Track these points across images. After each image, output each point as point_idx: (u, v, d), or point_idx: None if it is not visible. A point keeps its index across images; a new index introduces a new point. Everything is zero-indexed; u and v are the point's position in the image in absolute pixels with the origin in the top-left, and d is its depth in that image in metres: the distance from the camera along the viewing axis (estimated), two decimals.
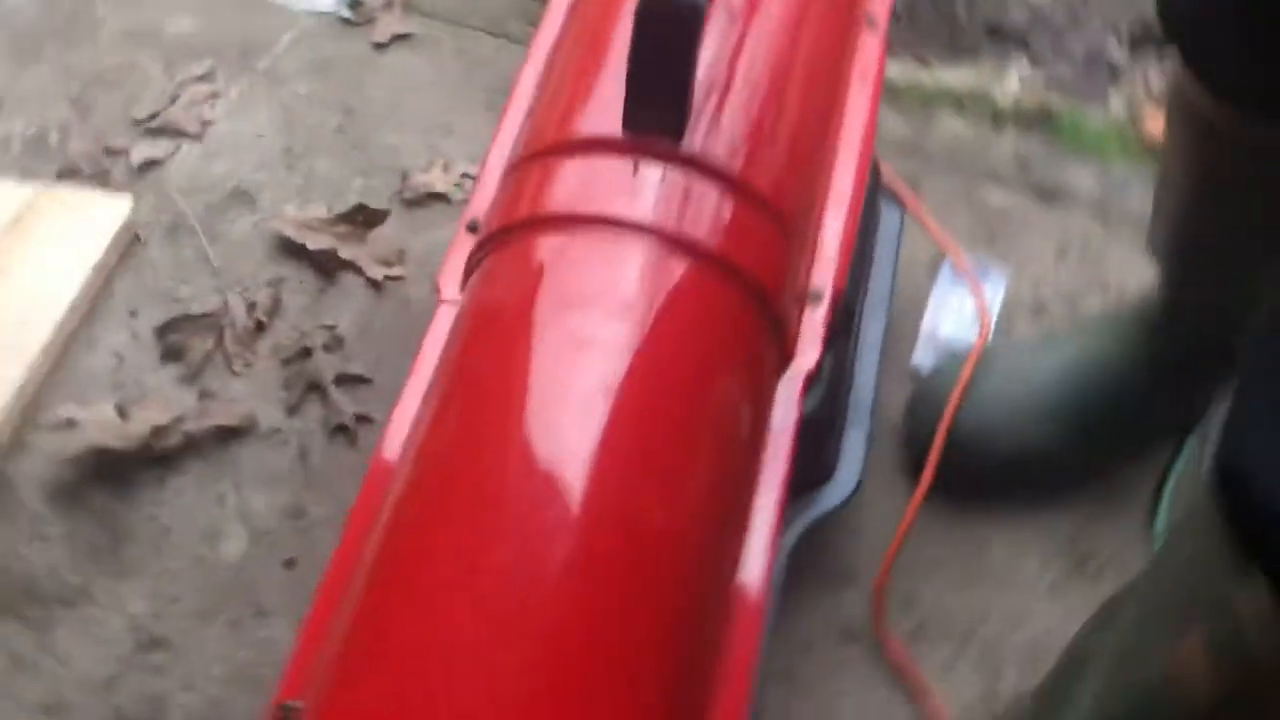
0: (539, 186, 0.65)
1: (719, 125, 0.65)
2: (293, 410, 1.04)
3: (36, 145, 1.18)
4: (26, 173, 1.15)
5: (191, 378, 1.04)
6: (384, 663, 0.56)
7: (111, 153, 1.18)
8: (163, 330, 1.06)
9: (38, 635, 0.92)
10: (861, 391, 0.96)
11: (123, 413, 1.00)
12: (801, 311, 0.74)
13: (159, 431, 0.99)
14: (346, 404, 1.03)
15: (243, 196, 1.16)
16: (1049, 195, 1.20)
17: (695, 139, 0.64)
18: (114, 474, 0.99)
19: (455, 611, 0.56)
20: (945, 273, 1.14)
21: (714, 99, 0.65)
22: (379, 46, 1.28)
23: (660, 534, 0.60)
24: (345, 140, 1.20)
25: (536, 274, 0.66)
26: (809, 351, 0.73)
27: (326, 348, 1.06)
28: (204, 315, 1.07)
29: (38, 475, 0.99)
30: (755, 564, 0.66)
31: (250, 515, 0.98)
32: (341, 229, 1.13)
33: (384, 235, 1.13)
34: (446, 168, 1.18)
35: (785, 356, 0.73)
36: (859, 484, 0.91)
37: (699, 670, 0.61)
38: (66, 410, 1.00)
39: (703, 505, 0.64)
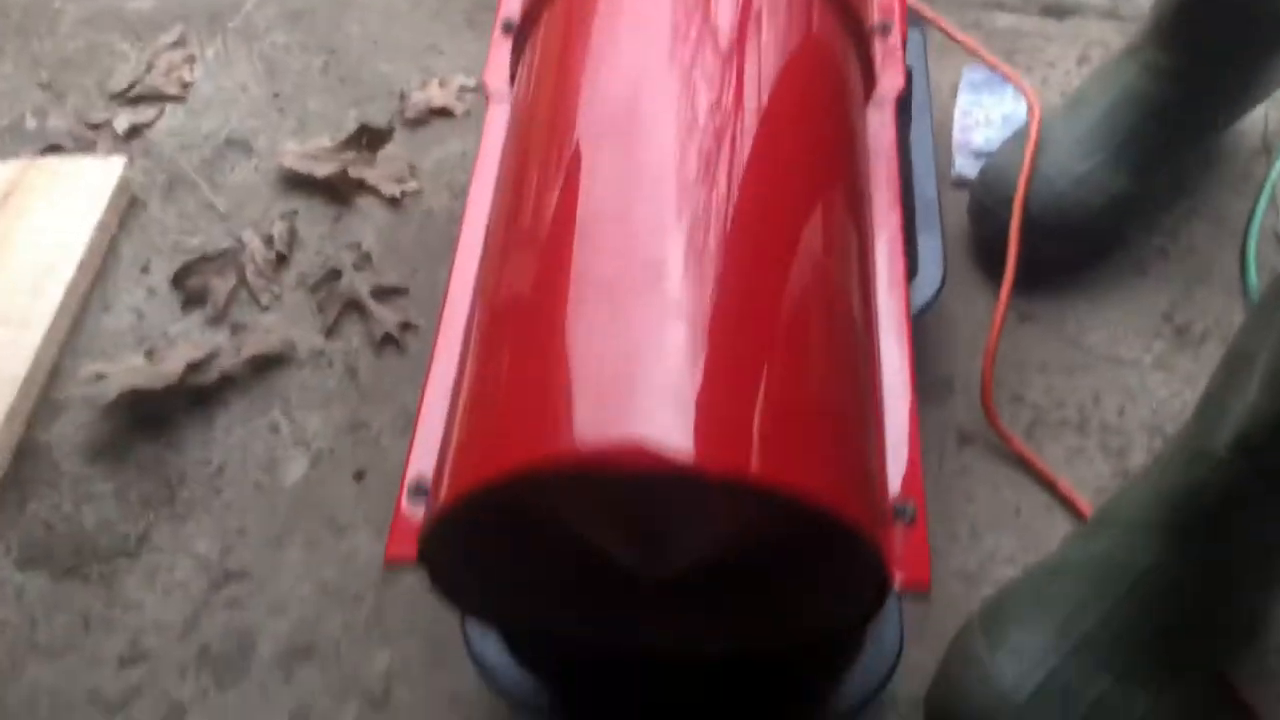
0: None
1: None
2: (331, 331, 0.97)
3: (13, 132, 1.12)
4: (8, 156, 1.09)
5: (218, 319, 0.98)
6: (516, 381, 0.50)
7: (93, 126, 1.12)
8: (179, 277, 1.00)
9: (105, 590, 0.84)
10: (925, 193, 0.91)
11: (152, 357, 0.94)
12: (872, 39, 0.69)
13: (194, 368, 0.93)
14: (388, 315, 0.97)
15: (238, 144, 1.10)
16: (1059, 12, 1.17)
17: None
18: (154, 420, 0.92)
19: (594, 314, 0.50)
20: (967, 83, 1.10)
21: None
22: None
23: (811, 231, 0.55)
24: (334, 77, 1.16)
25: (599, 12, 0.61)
26: (891, 74, 0.68)
27: (356, 266, 1.00)
28: (220, 255, 1.01)
29: (73, 437, 0.92)
30: (892, 291, 0.61)
31: (308, 437, 0.91)
32: (348, 154, 1.07)
33: (392, 155, 1.08)
34: (443, 83, 1.13)
35: (869, 80, 0.68)
36: (943, 280, 0.86)
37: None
38: (93, 368, 0.94)
39: (838, 210, 0.59)
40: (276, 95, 1.15)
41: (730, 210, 0.54)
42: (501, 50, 0.71)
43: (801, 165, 0.57)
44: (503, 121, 0.68)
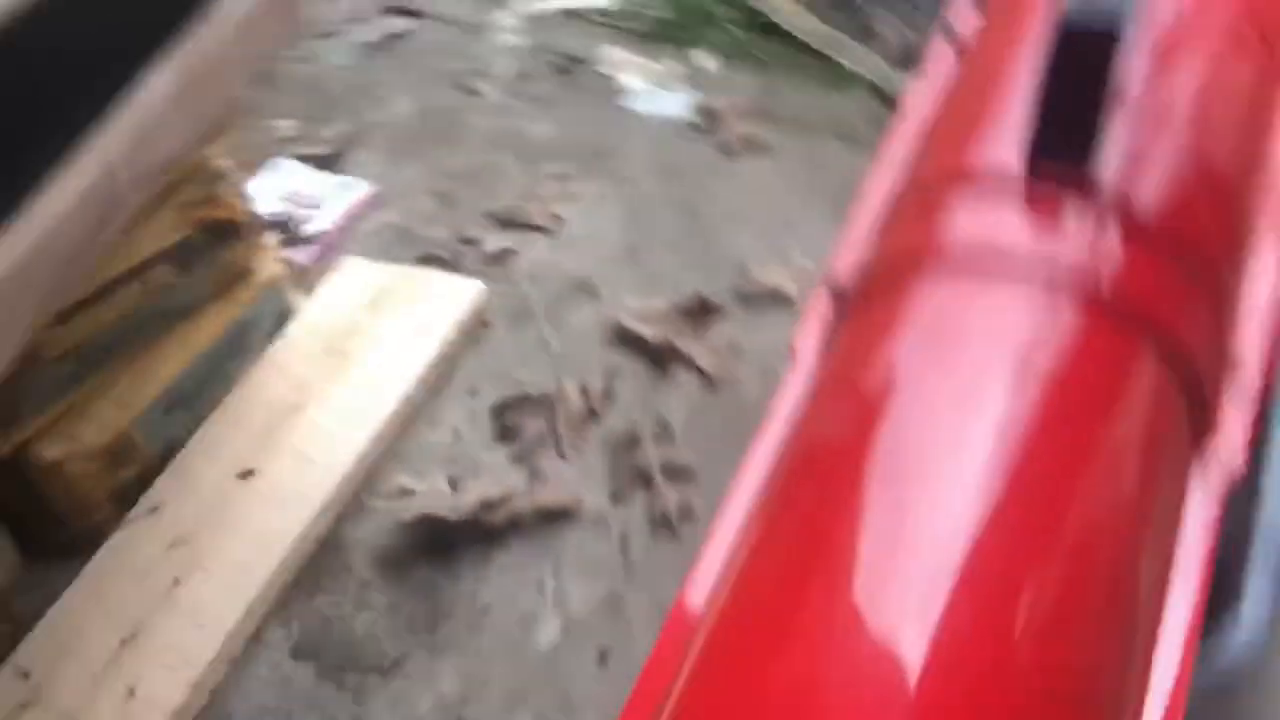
0: (921, 223, 0.58)
1: (1134, 160, 0.56)
2: (617, 497, 1.00)
3: (402, 233, 1.24)
4: (391, 257, 1.21)
5: (522, 457, 1.03)
6: None
7: (467, 242, 1.22)
8: (499, 410, 1.06)
9: (353, 704, 0.90)
10: (1271, 517, 0.80)
11: (454, 485, 1.00)
12: (1219, 385, 0.62)
13: (488, 506, 0.98)
14: (671, 495, 0.98)
15: (585, 287, 1.16)
16: None
17: (1106, 173, 0.55)
18: (441, 545, 0.98)
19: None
20: None
21: (1128, 127, 0.57)
22: (726, 151, 1.28)
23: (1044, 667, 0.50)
24: (688, 239, 1.19)
25: (915, 325, 0.59)
26: (1232, 436, 0.60)
27: (656, 438, 1.02)
28: (539, 398, 1.07)
29: (370, 541, 1.00)
30: None
31: (567, 602, 0.94)
32: (678, 321, 1.10)
33: (720, 330, 1.10)
34: (788, 264, 1.14)
35: (1202, 441, 0.61)
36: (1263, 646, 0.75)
37: None
38: (403, 480, 1.02)
39: (1098, 624, 0.53)
40: (632, 246, 1.20)
41: (1000, 569, 0.50)
42: (819, 311, 0.70)
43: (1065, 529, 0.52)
44: (797, 393, 0.67)
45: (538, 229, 1.22)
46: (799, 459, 0.59)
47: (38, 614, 0.92)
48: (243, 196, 1.06)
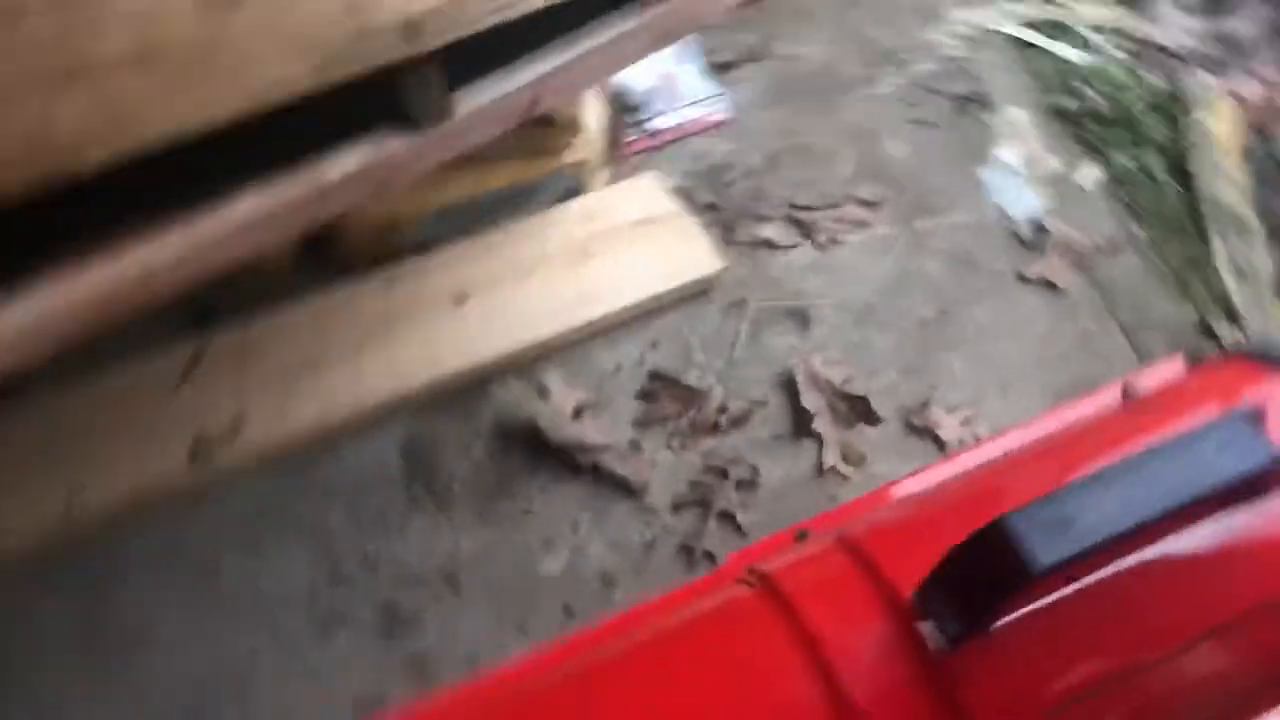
0: None
1: None
2: (676, 508, 1.14)
3: (712, 172, 1.35)
4: (685, 189, 1.32)
5: (640, 424, 1.18)
6: None
7: (753, 215, 1.31)
8: (655, 376, 1.21)
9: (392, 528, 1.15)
10: None
11: (577, 412, 1.18)
12: None
13: (583, 448, 1.15)
14: (717, 536, 1.11)
15: (801, 317, 1.25)
16: None
17: None
18: (535, 449, 1.17)
19: None
20: None
21: None
22: (1022, 276, 1.26)
23: None
24: (918, 333, 1.23)
25: None
26: None
27: (742, 483, 1.14)
28: (690, 390, 1.19)
29: (495, 411, 1.20)
30: None
31: (584, 549, 1.12)
32: (846, 406, 1.17)
33: (864, 436, 1.17)
34: (955, 411, 1.17)
35: None
36: None
37: None
38: (549, 379, 1.20)
39: None
40: (869, 309, 1.25)
41: None
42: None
43: None
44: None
45: (812, 240, 1.29)
46: None
47: None
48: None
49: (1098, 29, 1.46)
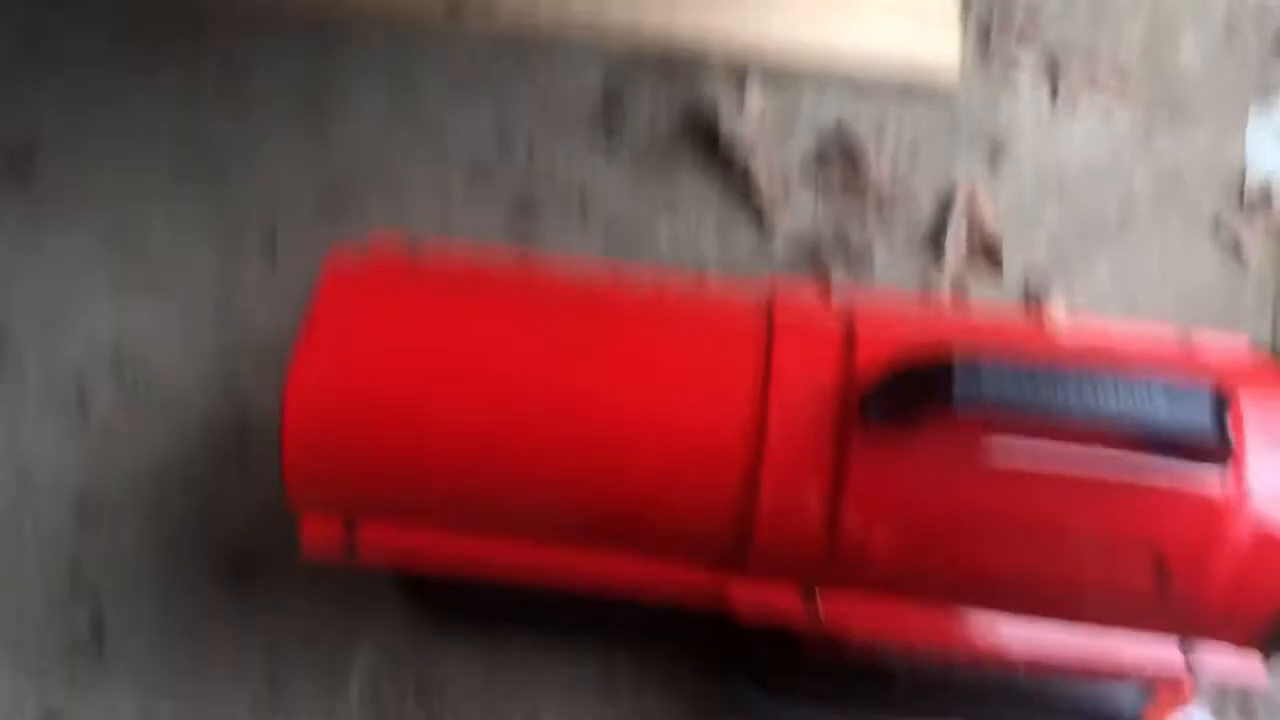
0: None
1: None
2: (793, 265, 1.24)
3: None
4: None
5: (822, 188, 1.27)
6: None
7: None
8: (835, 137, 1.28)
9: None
10: None
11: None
12: None
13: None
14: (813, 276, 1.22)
15: None
16: None
17: None
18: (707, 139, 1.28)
19: None
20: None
21: None
22: (1215, 230, 1.25)
23: None
24: None
25: None
26: None
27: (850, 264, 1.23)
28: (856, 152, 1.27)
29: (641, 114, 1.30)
30: None
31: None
32: None
33: None
34: None
35: None
36: None
37: None
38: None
39: None
40: None
41: None
42: None
43: None
44: None
45: (1053, 90, 1.29)
46: None
47: None
48: None
49: None
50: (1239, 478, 0.74)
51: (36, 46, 1.33)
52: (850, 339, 0.80)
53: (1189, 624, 0.79)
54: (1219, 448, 0.71)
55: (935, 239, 1.24)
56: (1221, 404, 0.70)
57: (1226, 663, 0.81)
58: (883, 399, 0.75)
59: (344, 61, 1.32)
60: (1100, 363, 0.71)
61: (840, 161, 1.27)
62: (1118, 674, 0.88)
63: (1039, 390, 0.70)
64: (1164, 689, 1.02)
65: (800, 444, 0.76)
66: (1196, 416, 0.69)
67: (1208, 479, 0.74)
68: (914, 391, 0.72)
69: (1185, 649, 0.81)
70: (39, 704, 1.10)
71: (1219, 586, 0.76)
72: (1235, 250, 1.24)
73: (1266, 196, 1.26)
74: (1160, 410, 0.69)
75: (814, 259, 1.23)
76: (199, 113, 1.30)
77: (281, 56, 1.32)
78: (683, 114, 1.29)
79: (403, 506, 0.83)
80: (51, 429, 1.18)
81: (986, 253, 1.23)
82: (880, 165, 1.27)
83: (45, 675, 1.11)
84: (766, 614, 0.83)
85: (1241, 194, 1.27)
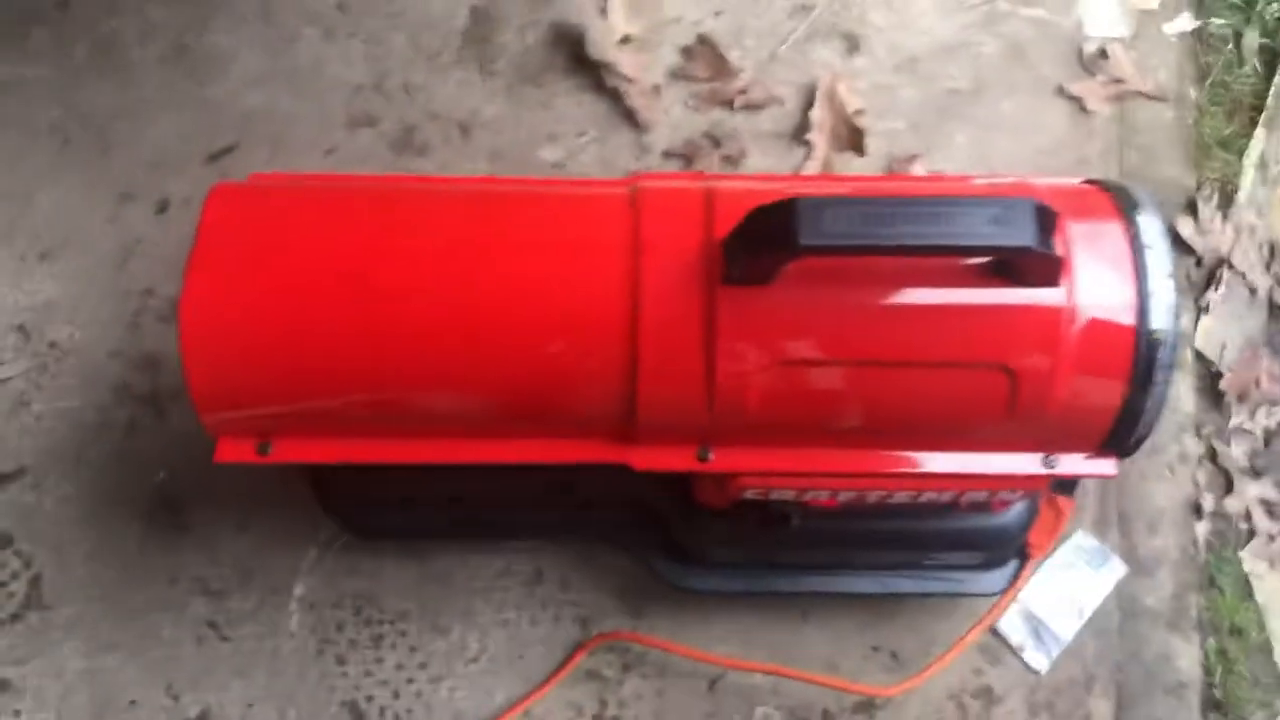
0: None
1: None
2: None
3: None
4: None
5: None
6: None
7: None
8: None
9: None
10: None
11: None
12: None
13: None
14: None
15: None
16: None
17: None
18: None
19: None
20: (1066, 548, 1.18)
21: None
22: (1059, 91, 1.33)
23: None
24: None
25: None
26: None
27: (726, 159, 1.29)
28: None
29: None
30: None
31: None
32: None
33: None
34: None
35: None
36: None
37: None
38: None
39: None
40: None
41: None
42: None
43: None
44: None
45: None
46: None
47: None
48: None
49: None
50: (1069, 292, 0.82)
51: None
52: (710, 207, 0.85)
53: (1046, 434, 0.87)
54: (1045, 260, 0.78)
55: (802, 133, 1.30)
56: (1044, 218, 0.77)
57: (1082, 465, 0.89)
58: (739, 249, 0.80)
59: (214, 22, 1.34)
60: (932, 196, 0.78)
61: (705, 64, 1.32)
62: (991, 486, 0.95)
63: (875, 223, 0.76)
64: (1044, 510, 1.10)
65: (671, 303, 0.82)
66: (1020, 230, 0.76)
67: (1043, 296, 0.81)
68: (764, 236, 0.78)
69: (1047, 463, 0.89)
70: None
71: (1063, 393, 0.83)
72: (1080, 105, 1.32)
73: (1102, 53, 1.34)
74: (986, 227, 0.76)
75: (690, 164, 1.29)
76: (79, 89, 1.32)
77: (153, 24, 1.34)
78: (552, 36, 1.34)
79: (310, 415, 0.87)
80: None
81: (851, 139, 1.29)
82: (741, 66, 1.33)
83: None
84: (666, 469, 0.88)
85: (1080, 56, 1.35)
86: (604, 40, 1.31)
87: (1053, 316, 0.82)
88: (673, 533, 1.08)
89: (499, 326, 0.84)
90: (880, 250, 0.77)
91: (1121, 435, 0.86)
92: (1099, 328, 0.82)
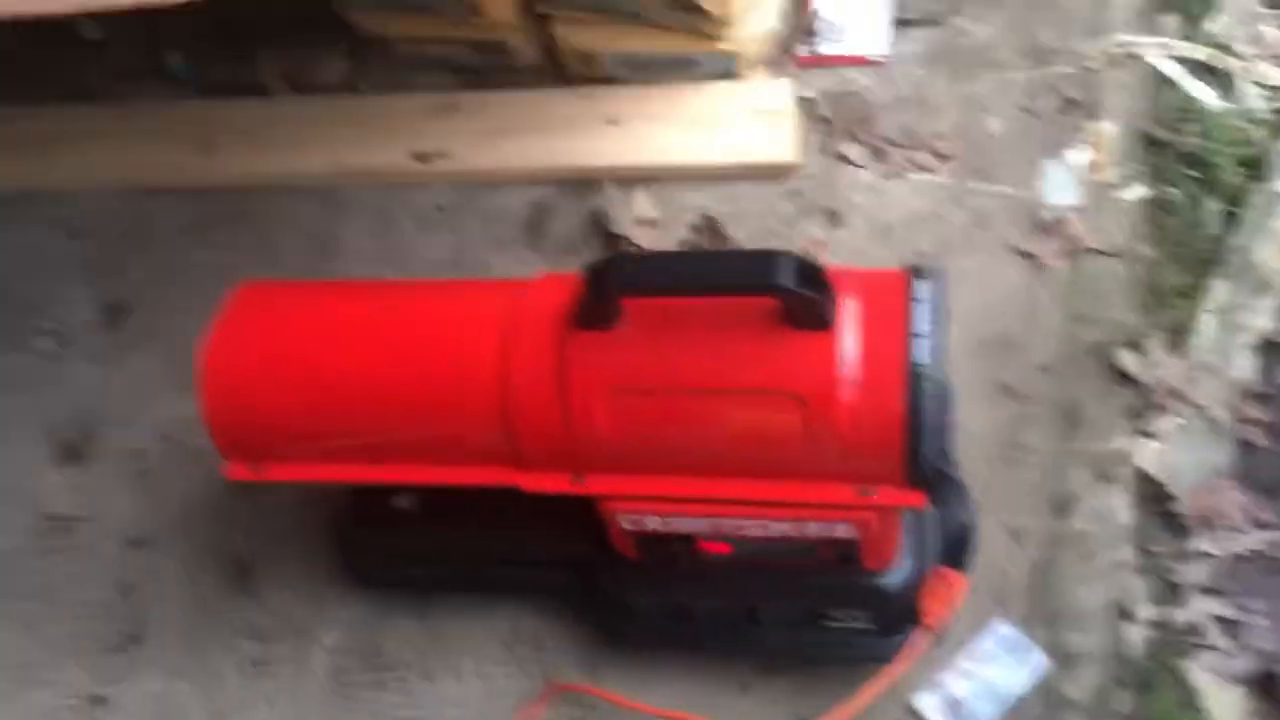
0: None
1: None
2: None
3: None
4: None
5: None
6: None
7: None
8: None
9: None
10: None
11: None
12: None
13: None
14: None
15: None
16: None
17: None
18: None
19: None
20: (989, 639, 1.25)
21: None
22: (1016, 250, 1.50)
23: None
24: None
25: None
26: None
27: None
28: None
29: None
30: None
31: None
32: None
33: None
34: None
35: None
36: None
37: None
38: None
39: None
40: None
41: None
42: None
43: None
44: None
45: (884, 167, 1.60)
46: None
47: None
48: None
49: (1264, 86, 1.58)
50: (844, 332, 1.00)
51: None
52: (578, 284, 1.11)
53: (852, 465, 1.02)
54: (809, 301, 0.97)
55: None
56: (805, 268, 0.97)
57: (893, 495, 1.02)
58: (581, 300, 1.05)
59: (344, 217, 1.76)
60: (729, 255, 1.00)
61: (708, 238, 1.60)
62: (819, 516, 1.08)
63: (672, 268, 1.00)
64: (935, 582, 1.20)
65: (534, 353, 1.07)
66: (781, 275, 0.96)
67: (821, 336, 1.00)
68: (593, 286, 1.02)
69: (863, 492, 1.04)
70: (89, 690, 1.43)
71: (848, 417, 0.99)
72: (1034, 261, 1.48)
73: (1059, 219, 1.51)
74: (750, 272, 0.97)
75: None
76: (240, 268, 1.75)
77: (300, 220, 1.78)
78: (589, 220, 1.66)
79: (290, 446, 1.16)
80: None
81: None
82: (737, 238, 1.59)
83: (96, 669, 1.45)
84: (549, 490, 1.10)
85: (1040, 222, 1.52)
86: (624, 222, 1.62)
87: (827, 349, 1.00)
88: (602, 585, 1.27)
89: (418, 381, 1.12)
90: (668, 291, 1.00)
91: (914, 464, 1.00)
92: (873, 361, 1.00)
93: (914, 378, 0.99)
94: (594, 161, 1.70)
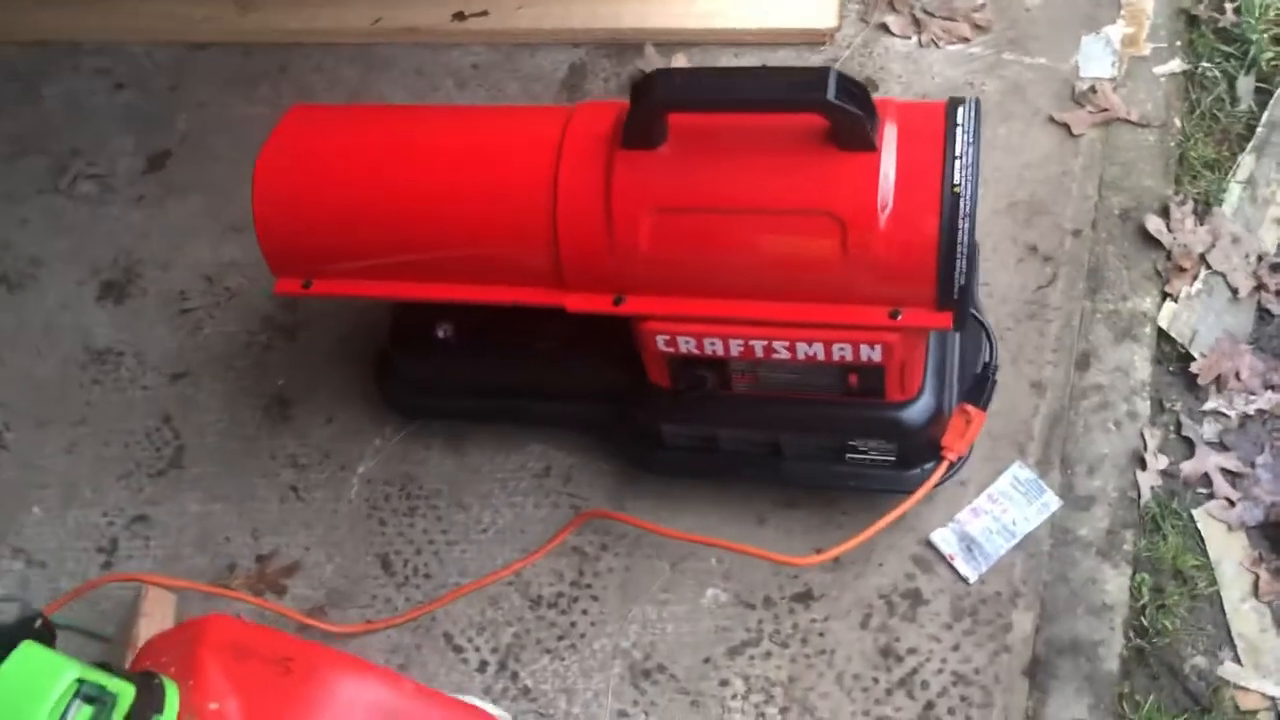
0: None
1: None
2: None
3: None
4: None
5: None
6: None
7: None
8: None
9: None
10: None
11: None
12: None
13: None
14: None
15: None
16: None
17: None
18: None
19: None
20: (1003, 479, 1.30)
21: None
22: (1050, 120, 1.51)
23: None
24: None
25: None
26: None
27: None
28: None
29: None
30: None
31: None
32: None
33: None
34: None
35: None
36: None
37: None
38: None
39: None
40: None
41: None
42: None
43: None
44: None
45: (919, 37, 1.61)
46: None
47: None
48: None
49: None
50: (885, 152, 1.02)
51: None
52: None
53: (884, 286, 1.05)
54: (852, 119, 1.00)
55: None
56: (846, 84, 1.00)
57: (922, 317, 1.06)
58: (628, 117, 1.07)
59: (386, 76, 1.78)
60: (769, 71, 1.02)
61: None
62: (849, 338, 1.11)
63: (719, 83, 1.02)
64: (956, 417, 1.24)
65: (581, 166, 1.09)
66: (820, 89, 0.99)
67: (862, 156, 1.03)
68: (639, 100, 1.05)
69: (892, 314, 1.07)
70: (132, 509, 1.49)
71: (885, 236, 1.02)
72: (1067, 130, 1.50)
73: (1092, 89, 1.52)
74: (800, 85, 1.00)
75: None
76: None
77: (339, 79, 1.80)
78: (627, 83, 1.68)
79: (338, 263, 1.20)
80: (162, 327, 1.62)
81: None
82: None
83: (140, 490, 1.50)
84: (591, 310, 1.13)
85: (1073, 92, 1.53)
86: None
87: (870, 170, 1.02)
88: (635, 416, 1.31)
89: (468, 197, 1.15)
90: (714, 105, 1.03)
91: (945, 283, 1.04)
92: (910, 180, 1.02)
93: (950, 198, 1.02)
94: (637, 24, 1.71)
